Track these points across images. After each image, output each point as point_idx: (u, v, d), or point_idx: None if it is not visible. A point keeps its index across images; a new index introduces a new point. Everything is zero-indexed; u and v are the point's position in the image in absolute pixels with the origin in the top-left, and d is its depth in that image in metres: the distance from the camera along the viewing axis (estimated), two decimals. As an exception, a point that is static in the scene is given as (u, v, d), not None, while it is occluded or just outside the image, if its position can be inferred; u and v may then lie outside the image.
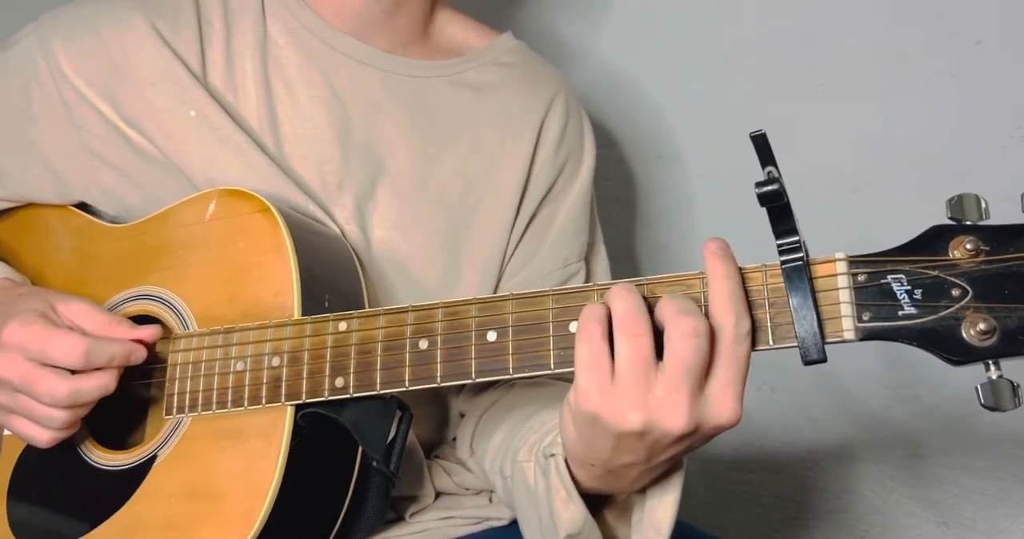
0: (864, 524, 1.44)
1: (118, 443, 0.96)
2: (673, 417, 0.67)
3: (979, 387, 0.65)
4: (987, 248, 0.65)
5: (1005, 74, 1.22)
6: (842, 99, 1.33)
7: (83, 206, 1.06)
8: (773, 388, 1.45)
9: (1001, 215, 0.68)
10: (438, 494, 1.06)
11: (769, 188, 0.67)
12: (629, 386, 0.67)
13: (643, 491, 0.79)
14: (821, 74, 1.34)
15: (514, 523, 1.04)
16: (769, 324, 0.69)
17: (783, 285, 0.68)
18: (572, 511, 0.78)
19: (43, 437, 0.88)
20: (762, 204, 0.68)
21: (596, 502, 0.81)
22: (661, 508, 0.77)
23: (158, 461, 0.89)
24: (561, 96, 1.12)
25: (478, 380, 0.76)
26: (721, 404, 0.68)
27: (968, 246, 0.65)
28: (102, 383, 0.86)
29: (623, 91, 1.48)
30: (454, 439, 1.10)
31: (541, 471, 0.83)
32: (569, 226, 1.10)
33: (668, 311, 0.67)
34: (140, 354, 0.89)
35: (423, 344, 0.79)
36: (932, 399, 1.34)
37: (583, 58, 1.49)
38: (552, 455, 0.80)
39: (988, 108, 1.24)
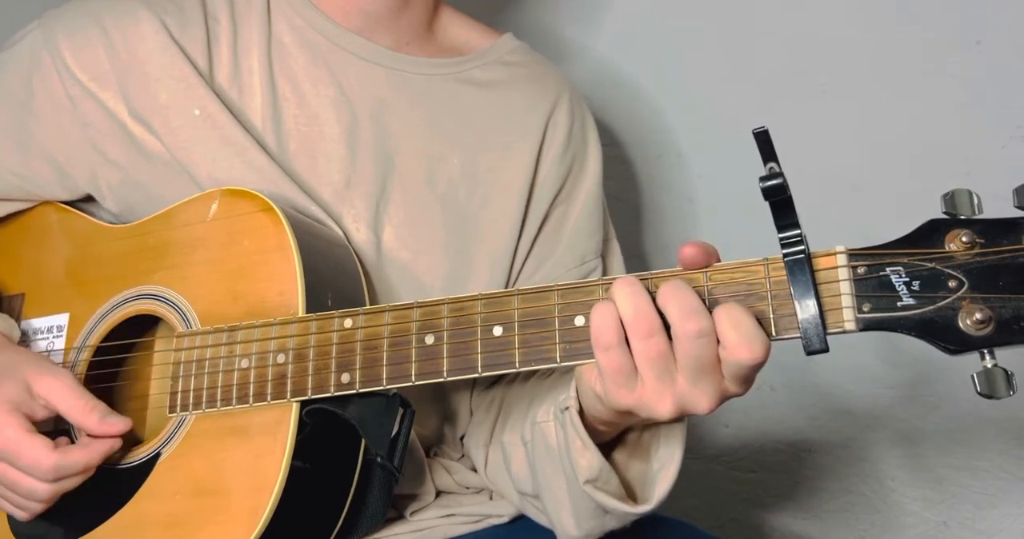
0: (864, 524, 1.44)
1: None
2: (699, 402, 0.72)
3: (975, 376, 0.66)
4: (982, 241, 0.66)
5: (1005, 74, 1.23)
6: (842, 99, 1.33)
7: (87, 203, 1.06)
8: (773, 388, 1.45)
9: (1000, 214, 0.68)
10: (439, 492, 1.06)
11: (773, 182, 0.69)
12: (653, 381, 0.71)
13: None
14: (821, 74, 1.34)
15: (515, 520, 1.05)
16: (772, 316, 0.70)
17: (785, 278, 0.70)
18: (588, 458, 0.81)
19: (24, 515, 0.89)
20: (766, 198, 0.69)
21: (608, 444, 0.85)
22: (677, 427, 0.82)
23: (162, 459, 0.88)
24: (566, 95, 1.12)
25: (484, 374, 0.77)
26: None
27: (964, 239, 0.66)
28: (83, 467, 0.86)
29: (623, 91, 1.48)
30: (461, 438, 1.10)
31: (560, 426, 0.85)
32: (584, 224, 1.11)
33: (674, 315, 0.70)
34: (115, 448, 0.88)
35: (429, 339, 0.80)
36: (932, 399, 1.35)
37: (583, 58, 1.50)
38: (566, 408, 0.82)
39: (988, 108, 1.24)
